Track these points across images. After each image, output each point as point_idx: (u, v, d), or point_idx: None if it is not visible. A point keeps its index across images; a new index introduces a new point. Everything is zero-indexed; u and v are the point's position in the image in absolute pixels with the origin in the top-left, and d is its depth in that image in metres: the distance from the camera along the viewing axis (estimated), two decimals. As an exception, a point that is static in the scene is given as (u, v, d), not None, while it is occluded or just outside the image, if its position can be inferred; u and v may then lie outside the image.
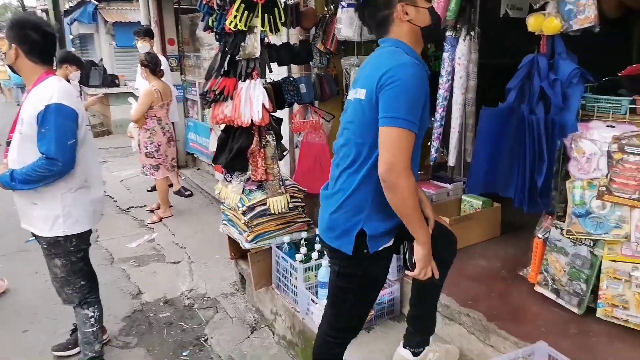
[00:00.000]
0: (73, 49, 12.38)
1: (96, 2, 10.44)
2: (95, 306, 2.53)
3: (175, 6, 6.77)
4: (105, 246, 4.39)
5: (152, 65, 4.64)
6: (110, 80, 9.70)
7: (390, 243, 1.77)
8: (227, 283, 3.56)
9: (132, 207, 5.43)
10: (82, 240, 2.43)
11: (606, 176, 1.93)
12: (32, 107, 2.15)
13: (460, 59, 2.51)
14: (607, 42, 2.35)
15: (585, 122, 2.04)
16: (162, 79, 4.80)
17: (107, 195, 5.87)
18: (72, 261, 2.39)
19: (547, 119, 2.02)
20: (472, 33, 2.53)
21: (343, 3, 3.09)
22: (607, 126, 1.97)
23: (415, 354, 2.11)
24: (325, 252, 2.02)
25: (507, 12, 2.94)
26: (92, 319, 2.50)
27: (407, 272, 1.78)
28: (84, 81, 9.22)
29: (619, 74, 2.13)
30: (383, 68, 1.60)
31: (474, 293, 2.37)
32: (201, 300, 3.39)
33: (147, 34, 5.55)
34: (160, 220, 4.88)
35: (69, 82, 5.05)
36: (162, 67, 4.88)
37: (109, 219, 5.06)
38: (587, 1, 1.99)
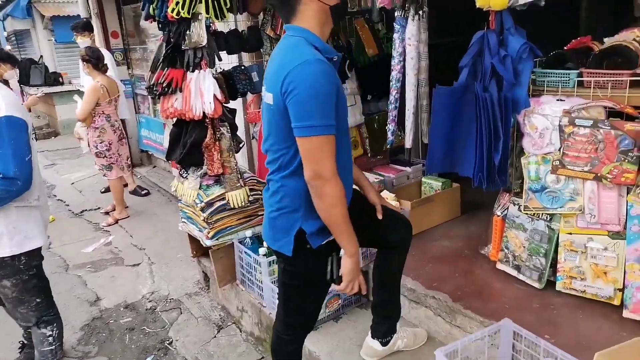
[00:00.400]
0: (9, 47, 11.65)
1: (30, -4, 9.87)
2: (55, 324, 2.35)
3: (116, -3, 6.47)
4: (59, 253, 4.19)
5: (94, 60, 4.40)
6: (53, 79, 9.20)
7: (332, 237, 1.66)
8: (191, 282, 3.46)
9: (86, 210, 5.19)
10: (33, 257, 2.20)
11: (559, 150, 1.95)
12: None
13: (410, 39, 2.48)
14: (555, 15, 2.37)
15: (536, 97, 2.06)
16: (107, 73, 4.57)
17: (59, 200, 5.61)
18: (24, 280, 2.16)
19: (500, 95, 2.02)
20: (421, 12, 2.50)
21: (291, -14, 3.00)
22: (557, 100, 1.99)
23: (383, 344, 2.10)
24: None
25: (455, -10, 2.94)
26: (51, 338, 2.31)
27: (334, 286, 1.72)
28: (24, 80, 8.72)
29: (565, 48, 2.15)
30: (285, 69, 1.48)
31: (439, 275, 2.38)
32: (164, 302, 3.28)
33: (86, 28, 5.28)
34: (117, 222, 4.68)
35: (7, 83, 4.75)
36: (105, 62, 4.64)
37: (62, 224, 4.84)
38: (532, -25, 1.99)
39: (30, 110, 5.24)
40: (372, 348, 2.12)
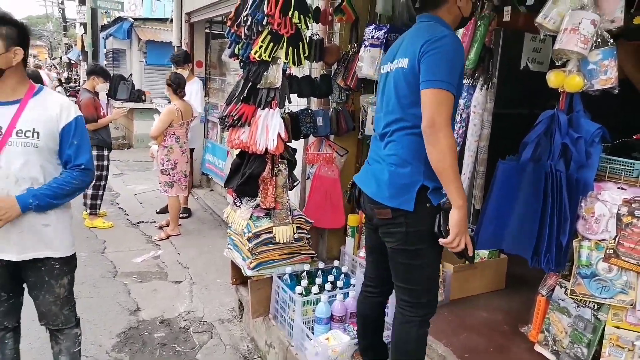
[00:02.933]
0: (105, 63, 12.79)
1: (132, 20, 10.83)
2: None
3: (206, 31, 7.00)
4: (111, 258, 4.42)
5: (174, 85, 4.76)
6: (137, 96, 9.95)
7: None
8: (226, 308, 3.54)
9: (142, 221, 5.48)
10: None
11: (614, 239, 1.89)
12: (50, 118, 1.99)
13: (475, 107, 2.53)
14: (623, 102, 2.34)
15: (596, 182, 2.01)
16: (190, 99, 4.94)
17: (120, 208, 5.96)
18: (73, 277, 2.26)
19: (570, 175, 2.00)
20: (489, 83, 2.55)
21: (366, 43, 3.16)
22: (618, 188, 1.94)
23: None
24: (373, 225, 1.99)
25: (527, 65, 2.98)
26: (80, 337, 2.35)
27: (440, 240, 1.76)
28: (112, 94, 9.49)
29: (634, 137, 2.11)
30: (424, 38, 1.74)
31: (472, 345, 2.31)
32: (197, 323, 3.37)
33: (186, 60, 5.64)
34: (168, 238, 4.90)
35: (97, 93, 5.22)
36: (193, 88, 5.03)
37: (119, 232, 5.12)
38: (609, 62, 2.01)
39: (112, 122, 5.69)
40: None
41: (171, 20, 7.46)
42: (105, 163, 5.18)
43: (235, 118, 2.94)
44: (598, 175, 2.04)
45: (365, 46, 3.16)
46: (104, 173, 5.19)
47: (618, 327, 1.90)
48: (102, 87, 5.25)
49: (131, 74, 10.74)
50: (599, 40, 2.02)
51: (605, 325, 1.94)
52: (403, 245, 1.83)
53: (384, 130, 1.89)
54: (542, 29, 2.17)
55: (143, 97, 10.09)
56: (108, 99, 9.28)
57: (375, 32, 3.15)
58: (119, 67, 12.31)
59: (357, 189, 2.03)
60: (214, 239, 4.94)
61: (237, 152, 3.15)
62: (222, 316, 3.45)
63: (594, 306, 2.00)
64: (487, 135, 2.60)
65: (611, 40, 2.03)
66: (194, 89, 5.41)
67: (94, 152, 5.11)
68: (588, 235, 1.99)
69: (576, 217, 2.06)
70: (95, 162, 5.11)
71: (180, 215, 5.35)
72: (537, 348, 2.22)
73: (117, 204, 6.15)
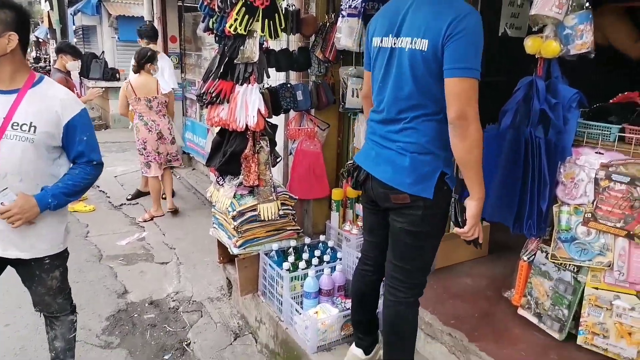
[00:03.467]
0: (75, 40, 12.35)
1: (101, -5, 10.45)
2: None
3: (179, 3, 6.77)
4: (95, 242, 4.38)
5: (135, 60, 4.61)
6: (111, 74, 9.68)
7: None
8: (214, 287, 3.55)
9: (125, 204, 5.41)
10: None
11: (592, 203, 1.93)
12: (50, 112, 1.89)
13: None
14: (601, 66, 2.36)
15: (574, 147, 2.04)
16: (158, 75, 4.76)
17: (101, 191, 5.87)
18: (66, 267, 2.23)
19: (549, 141, 2.02)
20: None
21: (344, 12, 3.09)
22: (596, 152, 1.97)
23: (367, 352, 2.19)
24: (375, 205, 1.97)
25: (505, 31, 2.95)
26: (76, 323, 2.35)
27: (456, 229, 1.79)
28: (84, 73, 9.21)
29: (610, 101, 2.13)
30: (447, 17, 1.59)
31: (458, 312, 2.37)
32: (187, 303, 3.38)
33: (154, 36, 5.36)
34: (152, 219, 4.86)
35: (69, 72, 5.04)
36: (162, 64, 4.87)
37: (101, 215, 5.06)
38: (585, 26, 2.01)
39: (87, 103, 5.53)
40: (356, 356, 2.18)
41: (141, -6, 7.21)
42: (81, 146, 5.07)
43: (213, 95, 2.87)
44: (576, 141, 2.07)
45: (343, 16, 3.09)
46: (82, 156, 5.09)
47: (597, 288, 1.96)
48: (73, 66, 5.05)
49: (103, 52, 10.41)
50: (574, 4, 2.01)
51: (584, 287, 2.01)
52: (415, 227, 1.79)
53: (399, 116, 1.78)
54: (519, -6, 2.15)
55: (117, 75, 9.82)
56: (81, 79, 9.02)
57: (352, 1, 3.08)
58: (90, 45, 11.91)
59: (362, 172, 1.92)
60: (199, 218, 4.92)
61: (217, 129, 3.10)
62: (211, 295, 3.47)
63: (573, 269, 2.05)
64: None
65: (587, 4, 2.02)
66: (161, 66, 5.19)
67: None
68: (567, 200, 2.03)
69: (555, 183, 2.09)
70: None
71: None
72: (520, 312, 2.29)
73: (98, 186, 6.04)
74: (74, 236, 4.47)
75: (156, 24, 6.59)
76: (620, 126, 1.94)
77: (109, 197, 5.66)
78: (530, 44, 2.11)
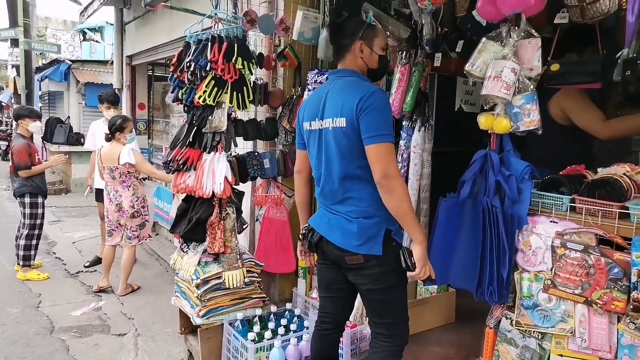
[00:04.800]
0: (40, 105, 12.27)
1: (70, 62, 10.53)
2: None
3: (149, 73, 6.94)
4: (47, 313, 4.12)
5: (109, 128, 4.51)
6: (75, 139, 9.57)
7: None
8: (174, 360, 3.37)
9: (82, 271, 5.17)
10: None
11: (551, 270, 2.00)
12: None
13: (415, 147, 2.64)
14: (555, 140, 2.54)
15: (531, 216, 2.14)
16: (121, 143, 4.66)
17: (57, 257, 5.62)
18: None
19: (505, 211, 2.12)
20: (427, 125, 2.68)
21: (309, 87, 3.25)
22: (551, 221, 2.07)
23: None
24: (330, 262, 2.12)
25: (461, 107, 3.17)
26: None
27: (408, 273, 1.93)
28: (48, 137, 9.08)
29: (560, 173, 2.28)
30: (356, 96, 1.85)
31: (428, 382, 2.33)
32: (144, 379, 3.18)
33: (116, 103, 5.27)
34: (110, 287, 4.64)
35: (31, 136, 4.94)
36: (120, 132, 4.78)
37: (55, 283, 4.80)
38: (531, 106, 2.18)
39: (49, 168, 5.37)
40: None
41: (112, 63, 7.35)
42: (39, 211, 4.89)
43: (180, 162, 2.90)
44: (532, 210, 2.17)
45: (309, 90, 3.25)
46: (39, 221, 4.89)
47: (561, 355, 1.99)
48: (35, 127, 4.93)
49: (69, 117, 10.36)
50: (520, 86, 2.20)
51: (550, 354, 2.02)
52: (378, 284, 1.95)
53: (338, 188, 1.97)
54: (471, 76, 2.33)
55: (82, 140, 9.71)
56: (44, 143, 8.87)
57: (318, 76, 3.25)
58: (56, 110, 11.82)
59: (316, 234, 2.08)
60: (161, 286, 4.73)
61: (182, 196, 3.09)
62: (170, 369, 3.28)
63: (538, 336, 2.08)
64: (428, 174, 2.72)
65: (531, 87, 2.21)
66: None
67: (27, 200, 4.82)
68: (527, 267, 2.10)
69: (514, 250, 2.17)
70: (28, 211, 4.82)
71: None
72: (489, 380, 2.27)
73: (54, 253, 5.79)
74: (23, 307, 4.21)
75: (125, 91, 6.70)
76: (571, 197, 2.06)
77: (65, 264, 5.40)
78: (484, 121, 2.27)
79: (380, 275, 1.93)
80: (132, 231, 4.52)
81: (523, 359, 2.11)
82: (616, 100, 2.92)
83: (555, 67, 2.42)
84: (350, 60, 2.01)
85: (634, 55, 2.12)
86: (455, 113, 3.28)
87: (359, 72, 2.01)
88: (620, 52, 2.13)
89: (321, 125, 1.99)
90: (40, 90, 12.47)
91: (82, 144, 9.59)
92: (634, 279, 1.75)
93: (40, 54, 13.31)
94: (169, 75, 3.05)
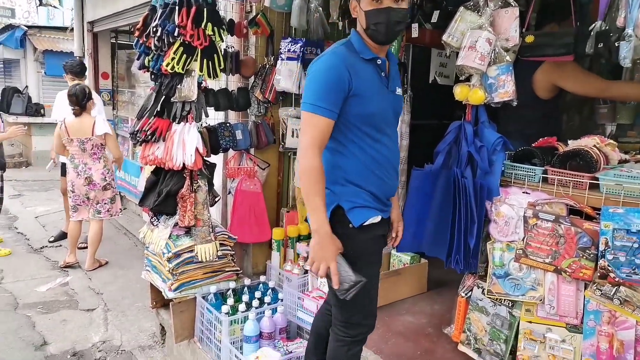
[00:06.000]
0: (-4, 73, 11.64)
1: (26, 28, 9.95)
2: None
3: (112, 40, 6.63)
4: (10, 289, 4.00)
5: (71, 98, 4.28)
6: (35, 110, 9.15)
7: (378, 219, 1.76)
8: (146, 334, 3.33)
9: (46, 246, 5.02)
10: None
11: (523, 240, 2.04)
12: None
13: (393, 118, 2.61)
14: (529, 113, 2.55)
15: (504, 188, 2.17)
16: (90, 114, 4.49)
17: (19, 233, 5.43)
18: None
19: (476, 182, 2.13)
20: (405, 96, 2.66)
21: (283, 56, 3.16)
22: (523, 192, 2.10)
23: None
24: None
25: (435, 79, 3.15)
26: None
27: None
28: (4, 108, 8.65)
29: (533, 145, 2.30)
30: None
31: (401, 351, 2.37)
32: (114, 353, 3.14)
33: (82, 73, 5.00)
34: (77, 263, 4.52)
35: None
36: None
37: (18, 259, 4.66)
38: (506, 77, 2.18)
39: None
40: None
41: (72, 29, 6.97)
42: (-2, 184, 4.69)
43: (148, 133, 2.79)
44: (505, 181, 2.20)
45: (282, 59, 3.16)
46: (-2, 195, 4.70)
47: (530, 322, 2.05)
48: None
49: (27, 86, 9.86)
50: (495, 57, 2.19)
51: (519, 321, 2.09)
52: None
53: None
54: (448, 47, 2.31)
55: (42, 110, 9.29)
56: (0, 114, 8.44)
57: (292, 45, 3.17)
58: (12, 79, 11.22)
59: None
60: (130, 260, 4.64)
61: (151, 168, 3.00)
62: (143, 343, 3.24)
63: (508, 304, 2.14)
64: (406, 146, 2.71)
65: (507, 57, 2.20)
66: (100, 105, 4.85)
67: (-17, 173, 4.60)
68: (500, 238, 2.13)
69: (484, 221, 2.20)
70: (-16, 184, 4.61)
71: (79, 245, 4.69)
72: (461, 347, 2.33)
73: (16, 228, 5.59)
74: (-16, 284, 4.07)
75: (87, 60, 6.39)
76: (543, 168, 2.09)
77: (28, 239, 5.23)
78: (459, 91, 2.26)
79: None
80: (104, 204, 4.41)
81: (494, 326, 2.17)
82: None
83: (530, 39, 2.41)
84: (357, 22, 1.79)
85: (607, 28, 2.13)
86: (430, 85, 3.27)
87: (359, 34, 1.77)
88: (593, 25, 2.14)
89: None
90: (-6, 57, 11.79)
91: (42, 115, 9.23)
92: (601, 247, 1.80)
93: (-8, 18, 12.55)
94: (134, 41, 2.90)
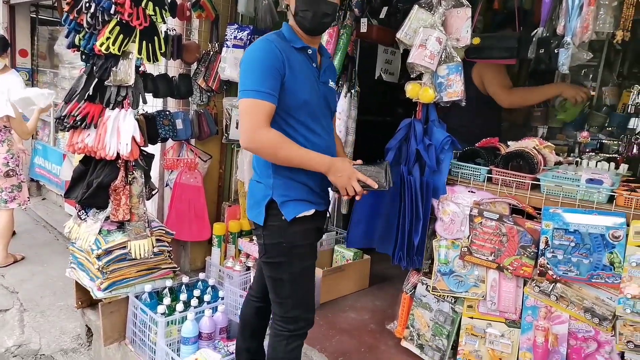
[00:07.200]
0: None
1: None
2: None
3: (32, 15, 6.06)
4: None
5: None
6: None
7: (311, 212, 1.76)
8: (69, 336, 3.08)
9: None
10: None
11: (468, 237, 2.09)
12: None
13: (340, 114, 2.59)
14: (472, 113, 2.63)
15: (450, 186, 2.21)
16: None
17: None
18: None
19: (422, 180, 2.15)
20: (353, 91, 2.64)
21: (228, 43, 3.03)
22: (469, 191, 2.15)
23: None
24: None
25: (381, 75, 3.16)
26: None
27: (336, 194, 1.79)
28: None
29: (476, 145, 2.37)
30: None
31: (345, 348, 2.36)
32: (32, 358, 2.87)
33: (5, 48, 4.51)
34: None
35: None
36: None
37: None
38: (455, 77, 2.22)
39: None
40: None
41: (-16, -1, 6.28)
42: None
43: (77, 119, 2.56)
44: (451, 180, 2.24)
45: (228, 47, 3.03)
46: None
47: (472, 318, 2.11)
48: None
49: None
50: (445, 56, 2.22)
51: (461, 317, 2.14)
52: (264, 257, 1.80)
53: None
54: (401, 44, 2.31)
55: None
56: None
57: (239, 32, 3.05)
58: None
59: None
60: (50, 256, 4.27)
61: (79, 157, 2.76)
62: (65, 346, 2.99)
63: (451, 300, 2.19)
64: (352, 142, 2.69)
65: (457, 57, 2.24)
66: (12, 83, 4.42)
67: None
68: (445, 235, 2.17)
69: (429, 218, 2.24)
70: None
71: None
72: (404, 343, 2.36)
73: None
74: None
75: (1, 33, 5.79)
76: (488, 168, 2.15)
77: None
78: (410, 89, 2.28)
79: (264, 247, 1.78)
80: (8, 192, 4.00)
81: (437, 322, 2.21)
82: (527, 76, 3.12)
83: (476, 40, 2.48)
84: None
85: (547, 35, 2.23)
86: (376, 82, 3.27)
87: (290, 26, 1.76)
88: (535, 31, 2.23)
89: None
90: None
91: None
92: (541, 246, 1.89)
93: None
94: (63, 17, 2.64)
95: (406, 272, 2.41)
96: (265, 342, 2.06)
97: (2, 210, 3.99)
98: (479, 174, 2.16)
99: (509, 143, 2.35)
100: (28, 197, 4.16)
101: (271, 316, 1.92)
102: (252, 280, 2.12)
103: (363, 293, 3.02)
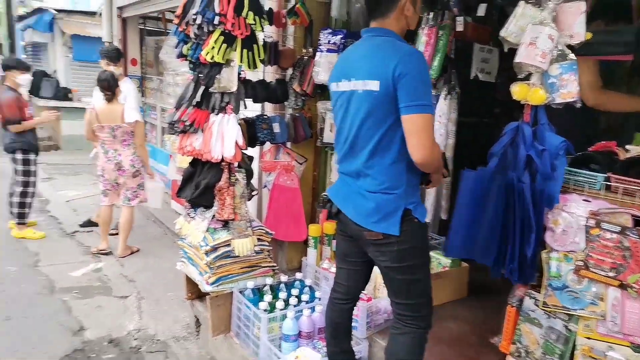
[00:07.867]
0: (24, 57, 11.73)
1: (54, 12, 9.98)
2: None
3: (140, 27, 6.60)
4: (46, 273, 4.06)
5: (100, 85, 4.25)
6: (63, 94, 9.22)
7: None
8: (180, 325, 3.33)
9: (78, 231, 5.07)
10: None
11: (583, 251, 1.94)
12: None
13: (440, 117, 2.51)
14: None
15: (562, 194, 2.05)
16: (120, 101, 4.44)
17: (51, 216, 5.50)
18: None
19: (534, 187, 2.02)
20: (453, 93, 2.55)
21: (322, 48, 3.07)
22: (583, 200, 1.99)
23: None
24: (347, 234, 2.02)
25: (477, 75, 3.01)
26: None
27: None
28: (34, 91, 8.74)
29: (589, 149, 2.17)
30: (395, 57, 1.68)
31: (446, 358, 2.30)
32: (150, 342, 3.14)
33: (119, 58, 4.87)
34: (109, 249, 4.55)
35: (17, 89, 4.67)
36: (125, 89, 4.59)
37: (52, 243, 4.72)
38: (569, 76, 2.05)
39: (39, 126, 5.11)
40: None
41: (100, 14, 6.95)
42: (32, 168, 4.74)
43: (187, 124, 2.75)
44: (563, 187, 2.08)
45: (322, 51, 3.07)
46: (32, 179, 4.75)
47: (589, 338, 1.94)
48: (24, 79, 4.72)
49: (55, 70, 9.94)
50: (558, 55, 2.06)
51: (576, 336, 1.99)
52: (398, 262, 1.84)
53: (359, 157, 1.85)
54: (506, 43, 2.18)
55: (70, 95, 9.36)
56: (30, 97, 8.54)
57: (332, 37, 3.07)
58: (41, 62, 11.32)
59: (334, 205, 1.99)
60: (160, 249, 4.66)
61: (184, 158, 2.97)
62: (177, 333, 3.25)
63: (564, 317, 2.04)
64: (452, 145, 2.60)
65: (571, 55, 2.07)
66: (127, 91, 4.68)
67: (19, 156, 4.64)
68: (557, 247, 2.03)
69: (543, 229, 2.09)
70: (21, 167, 4.65)
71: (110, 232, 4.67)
72: None
73: (48, 211, 5.67)
74: (22, 266, 4.14)
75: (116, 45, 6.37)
76: (605, 175, 1.97)
77: (60, 223, 5.30)
78: (518, 91, 2.13)
79: (399, 254, 1.82)
80: (132, 191, 4.42)
81: (548, 340, 2.08)
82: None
83: (588, 36, 2.27)
84: (394, 19, 1.82)
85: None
86: (470, 81, 3.12)
87: (397, 33, 1.83)
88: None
89: (350, 86, 1.83)
90: (23, 40, 11.91)
91: (70, 99, 9.30)
92: (673, 263, 1.70)
93: (21, 1, 12.62)
94: (173, 30, 2.85)
95: (506, 282, 2.28)
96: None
97: (125, 207, 4.43)
98: (595, 181, 1.99)
99: (627, 147, 2.13)
100: (145, 197, 4.57)
101: (396, 317, 1.95)
102: (335, 284, 2.18)
103: (461, 302, 2.92)
